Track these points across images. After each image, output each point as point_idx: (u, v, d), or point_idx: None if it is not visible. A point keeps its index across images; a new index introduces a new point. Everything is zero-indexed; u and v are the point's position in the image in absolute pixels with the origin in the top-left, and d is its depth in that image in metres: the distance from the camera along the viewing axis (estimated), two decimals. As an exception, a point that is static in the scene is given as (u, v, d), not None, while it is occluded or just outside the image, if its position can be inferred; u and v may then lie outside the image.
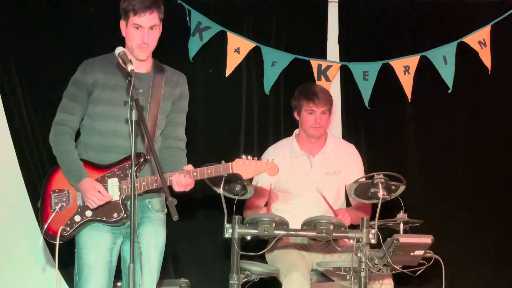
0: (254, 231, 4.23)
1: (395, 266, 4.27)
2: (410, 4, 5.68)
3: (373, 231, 4.20)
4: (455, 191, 5.70)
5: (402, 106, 5.65)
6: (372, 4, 5.68)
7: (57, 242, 3.91)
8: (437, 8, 5.67)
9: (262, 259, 4.84)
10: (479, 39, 5.59)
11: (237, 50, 5.53)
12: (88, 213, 3.94)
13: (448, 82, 5.59)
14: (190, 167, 3.94)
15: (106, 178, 3.94)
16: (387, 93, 5.66)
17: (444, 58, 5.58)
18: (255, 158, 4.02)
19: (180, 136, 4.17)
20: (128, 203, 3.84)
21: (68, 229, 3.94)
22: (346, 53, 5.67)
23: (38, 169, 5.35)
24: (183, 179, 3.89)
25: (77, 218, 3.94)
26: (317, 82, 5.50)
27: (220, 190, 4.16)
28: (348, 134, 5.64)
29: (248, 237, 4.26)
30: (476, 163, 5.71)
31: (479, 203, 5.69)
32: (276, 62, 5.55)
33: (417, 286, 5.16)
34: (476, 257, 5.64)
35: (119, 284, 4.50)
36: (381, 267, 4.28)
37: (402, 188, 4.34)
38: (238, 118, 5.58)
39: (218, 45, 5.52)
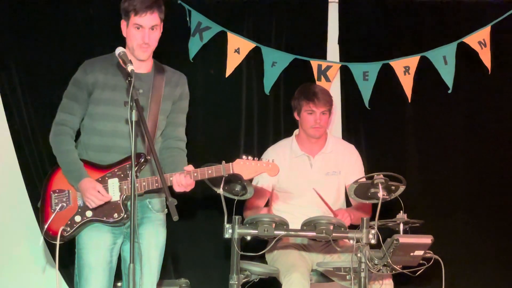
0: (254, 232, 4.23)
1: (395, 267, 4.27)
2: (410, 4, 5.67)
3: (373, 231, 4.21)
4: (455, 191, 5.70)
5: (402, 107, 5.65)
6: (372, 5, 5.67)
7: (58, 242, 3.91)
8: (437, 9, 5.66)
9: (262, 259, 4.84)
10: (479, 40, 5.58)
11: (237, 51, 5.53)
12: (89, 213, 3.94)
13: (448, 83, 5.58)
14: (190, 167, 3.94)
15: (107, 178, 3.94)
16: (387, 94, 5.65)
17: (444, 59, 5.58)
18: (255, 158, 4.02)
19: (180, 136, 4.17)
20: (129, 203, 3.84)
21: (69, 229, 3.94)
22: (346, 53, 5.67)
23: (38, 169, 5.35)
24: (183, 179, 3.89)
25: (78, 218, 3.95)
26: (317, 83, 5.50)
27: (220, 191, 4.16)
28: (348, 134, 5.63)
29: (248, 238, 4.26)
30: (476, 163, 5.71)
31: (479, 203, 5.69)
32: (276, 62, 5.55)
33: (417, 286, 5.16)
34: (476, 257, 5.64)
35: (119, 284, 4.50)
36: (381, 268, 4.28)
37: (402, 188, 4.34)
38: (238, 118, 5.58)
39: (218, 46, 5.52)
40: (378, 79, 5.58)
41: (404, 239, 4.22)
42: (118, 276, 4.09)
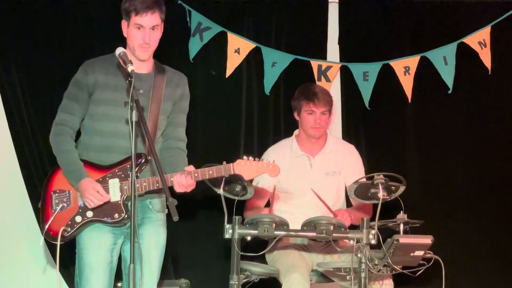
0: (254, 232, 4.23)
1: (395, 267, 4.27)
2: (410, 4, 5.67)
3: (373, 231, 4.21)
4: (455, 192, 5.70)
5: (402, 107, 5.65)
6: (373, 5, 5.67)
7: (58, 243, 3.91)
8: (437, 9, 5.66)
9: (262, 259, 4.84)
10: (479, 40, 5.59)
11: (237, 51, 5.53)
12: (89, 214, 3.94)
13: (448, 83, 5.58)
14: (191, 167, 3.94)
15: (107, 178, 3.94)
16: (387, 94, 5.65)
17: (444, 59, 5.58)
18: (256, 159, 4.02)
19: (180, 136, 4.18)
20: (129, 203, 3.84)
21: (69, 229, 3.94)
22: (346, 54, 5.67)
23: (38, 169, 5.36)
24: (184, 180, 3.89)
25: (78, 218, 3.95)
26: (317, 83, 5.50)
27: (220, 191, 4.16)
28: (348, 134, 5.63)
29: (248, 238, 4.26)
30: (476, 163, 5.71)
31: (479, 203, 5.69)
32: (276, 62, 5.55)
33: (417, 286, 5.15)
34: (476, 257, 5.64)
35: (119, 284, 4.50)
36: (381, 268, 4.28)
37: (402, 188, 4.34)
38: (238, 118, 5.58)
39: (218, 46, 5.52)
40: (378, 79, 5.58)
41: (404, 239, 4.22)
42: (118, 276, 4.09)
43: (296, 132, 5.11)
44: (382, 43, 5.69)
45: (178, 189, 3.92)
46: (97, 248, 3.95)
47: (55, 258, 3.92)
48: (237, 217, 4.21)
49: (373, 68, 5.59)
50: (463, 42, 5.60)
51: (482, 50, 5.59)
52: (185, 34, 5.49)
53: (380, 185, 4.28)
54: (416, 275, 4.36)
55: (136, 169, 3.91)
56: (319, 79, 5.58)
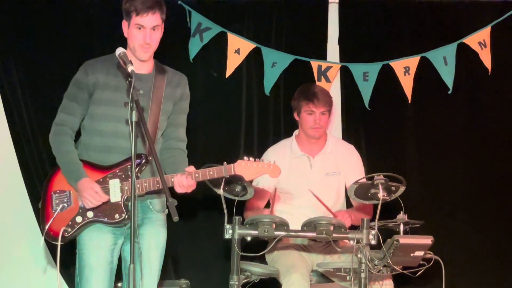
0: (254, 232, 4.23)
1: (395, 267, 4.28)
2: (410, 5, 5.67)
3: (373, 232, 4.21)
4: (455, 192, 5.70)
5: (402, 107, 5.64)
6: (372, 5, 5.67)
7: (59, 243, 3.91)
8: (437, 9, 5.66)
9: (262, 260, 4.84)
10: (479, 40, 5.59)
11: (237, 51, 5.53)
12: (90, 214, 3.94)
13: (448, 83, 5.59)
14: (192, 168, 3.94)
15: (108, 179, 3.94)
16: (387, 94, 5.65)
17: (444, 59, 5.58)
18: (257, 159, 4.02)
19: (181, 137, 4.18)
20: (130, 204, 3.84)
21: (70, 230, 3.94)
22: (346, 54, 5.66)
23: (38, 169, 5.36)
24: (185, 181, 3.89)
25: (79, 219, 3.95)
26: (317, 83, 5.49)
27: (220, 191, 4.17)
28: (348, 135, 5.63)
29: (248, 238, 4.26)
30: (476, 163, 5.71)
31: (479, 203, 5.69)
32: (276, 63, 5.55)
33: (417, 287, 5.14)
34: (476, 257, 5.63)
35: (119, 284, 4.50)
36: (381, 268, 4.28)
37: (402, 189, 4.34)
38: (238, 119, 5.58)
39: (218, 46, 5.52)
40: (378, 79, 5.58)
41: (404, 239, 4.23)
42: (118, 276, 4.09)
43: (296, 132, 5.11)
44: (382, 44, 5.69)
45: (179, 189, 3.92)
46: (98, 248, 3.95)
47: (55, 259, 3.92)
48: (237, 218, 4.21)
49: (373, 69, 5.59)
50: (463, 42, 5.60)
51: (482, 50, 5.59)
52: (185, 35, 5.49)
53: (380, 185, 4.28)
54: (416, 275, 4.36)
55: (137, 169, 3.92)
56: (319, 80, 5.57)
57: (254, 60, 5.59)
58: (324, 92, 5.06)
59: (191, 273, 5.34)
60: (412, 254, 4.26)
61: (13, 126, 5.41)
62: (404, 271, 4.34)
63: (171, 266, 5.38)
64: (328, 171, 4.99)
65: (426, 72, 5.60)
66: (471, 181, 5.72)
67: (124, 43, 4.02)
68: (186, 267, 5.46)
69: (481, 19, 5.63)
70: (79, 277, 3.98)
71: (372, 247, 4.26)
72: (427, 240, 4.25)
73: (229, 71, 5.54)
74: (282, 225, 4.29)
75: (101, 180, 3.94)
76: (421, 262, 4.33)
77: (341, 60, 5.67)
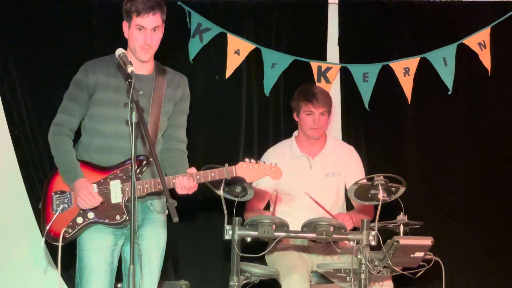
0: (254, 233, 4.23)
1: (395, 268, 4.27)
2: (410, 5, 5.67)
3: (373, 232, 4.21)
4: (455, 192, 5.70)
5: (402, 108, 5.64)
6: (372, 6, 5.67)
7: (60, 244, 3.91)
8: (437, 10, 5.66)
9: (262, 260, 4.84)
10: (479, 41, 5.59)
11: (237, 52, 5.53)
12: (91, 215, 3.94)
13: (448, 84, 5.59)
14: (193, 170, 3.94)
15: (109, 180, 3.95)
16: (387, 95, 5.65)
17: (444, 60, 5.58)
18: (258, 161, 4.02)
19: (181, 137, 4.18)
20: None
21: (70, 230, 3.94)
22: (346, 55, 5.66)
23: (38, 169, 5.36)
24: (186, 182, 3.89)
25: (79, 220, 3.95)
26: (317, 84, 5.49)
27: (220, 192, 4.17)
28: (348, 135, 5.63)
29: (248, 239, 4.26)
30: (476, 164, 5.71)
31: (479, 203, 5.69)
32: (276, 63, 5.55)
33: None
34: (476, 258, 5.63)
35: (119, 285, 4.49)
36: (381, 269, 4.28)
37: (402, 189, 4.34)
38: (238, 119, 5.58)
39: (218, 47, 5.52)
40: (378, 80, 5.58)
41: (404, 240, 4.23)
42: (118, 277, 4.08)
43: (295, 133, 5.11)
44: (381, 44, 5.69)
45: (180, 191, 3.92)
46: (98, 249, 3.95)
47: (55, 259, 3.93)
48: (237, 218, 4.21)
49: (373, 69, 5.59)
50: (463, 43, 5.60)
51: (482, 51, 5.59)
52: (185, 35, 5.49)
53: (380, 186, 4.28)
54: (416, 276, 4.36)
55: (137, 170, 3.92)
56: (319, 80, 5.57)
57: (254, 61, 5.59)
58: (323, 92, 5.06)
59: (191, 273, 5.34)
60: (412, 255, 4.26)
61: (13, 126, 5.41)
62: (404, 272, 4.34)
63: (171, 267, 5.38)
64: (328, 172, 4.99)
65: (426, 72, 5.60)
66: (471, 181, 5.72)
67: (124, 43, 4.01)
68: (186, 268, 5.45)
69: (481, 19, 5.63)
70: (80, 277, 3.98)
71: (372, 248, 4.26)
72: (427, 241, 4.25)
73: (229, 72, 5.54)
74: (282, 226, 4.29)
75: (101, 181, 3.95)
76: (421, 263, 4.33)
77: (341, 61, 5.67)
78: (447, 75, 5.60)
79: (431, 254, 4.36)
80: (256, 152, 5.41)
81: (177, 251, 5.33)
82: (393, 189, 4.32)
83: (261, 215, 4.61)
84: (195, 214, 5.39)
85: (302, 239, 4.78)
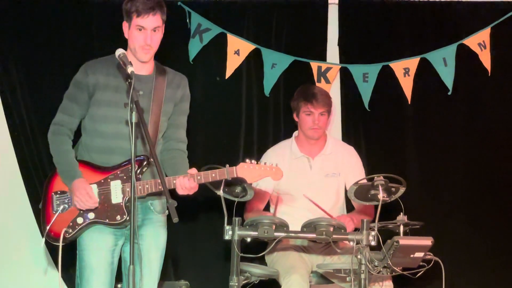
0: (254, 233, 4.23)
1: (395, 268, 4.27)
2: (410, 6, 5.67)
3: (373, 233, 4.21)
4: (455, 192, 5.70)
5: (402, 108, 5.64)
6: (372, 6, 5.67)
7: (60, 244, 3.91)
8: (437, 10, 5.66)
9: (262, 261, 4.84)
10: (479, 41, 5.59)
11: (237, 52, 5.53)
12: (91, 215, 3.94)
13: (448, 84, 5.59)
14: (194, 170, 3.95)
15: (109, 180, 3.95)
16: (387, 95, 5.65)
17: (444, 60, 5.58)
18: (259, 162, 4.02)
19: (181, 138, 4.18)
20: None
21: (71, 231, 3.94)
22: (346, 55, 5.66)
23: (37, 169, 5.36)
24: (187, 183, 3.89)
25: (80, 220, 3.95)
26: (317, 84, 5.49)
27: (220, 192, 4.17)
28: (348, 136, 5.63)
29: (248, 239, 4.26)
30: (476, 164, 5.71)
31: (479, 203, 5.68)
32: (276, 64, 5.55)
33: (417, 288, 5.16)
34: (476, 257, 5.63)
35: (119, 286, 4.49)
36: (381, 269, 4.28)
37: (402, 190, 4.35)
38: (238, 119, 5.58)
39: (218, 47, 5.52)
40: (378, 80, 5.58)
41: (404, 241, 4.23)
42: (118, 277, 4.08)
43: (295, 133, 5.11)
44: (381, 45, 5.69)
45: (181, 191, 3.92)
46: (98, 249, 3.95)
47: (56, 260, 3.93)
48: (237, 219, 4.21)
49: (373, 70, 5.59)
50: (463, 43, 5.60)
51: (482, 51, 5.59)
52: (185, 36, 5.49)
53: (380, 186, 4.28)
54: (416, 276, 4.36)
55: (138, 171, 3.92)
56: (319, 81, 5.57)
57: (254, 61, 5.59)
58: (323, 93, 5.06)
59: (191, 274, 5.34)
60: (412, 255, 4.26)
61: (13, 126, 5.41)
62: (404, 272, 4.34)
63: (171, 267, 5.38)
64: (327, 172, 4.99)
65: (426, 73, 5.60)
66: (471, 181, 5.72)
67: (124, 44, 4.01)
68: (186, 268, 5.45)
69: (481, 20, 5.63)
70: (80, 277, 3.98)
71: (372, 248, 4.26)
72: (427, 241, 4.25)
73: (229, 72, 5.53)
74: (282, 226, 4.30)
75: (102, 181, 3.95)
76: (421, 263, 4.34)
77: (340, 61, 5.67)
78: (447, 75, 5.60)
79: (431, 254, 4.36)
80: (256, 152, 5.41)
81: (177, 251, 5.33)
82: (393, 189, 4.33)
83: (261, 215, 4.62)
84: (195, 215, 5.39)
85: (302, 239, 4.79)
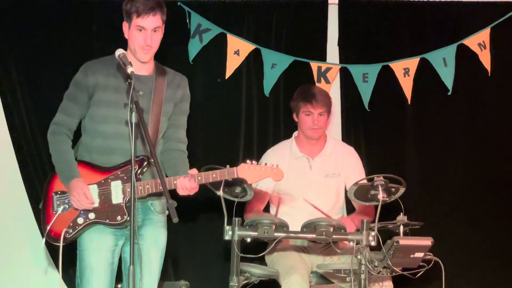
0: (254, 233, 4.24)
1: (395, 268, 4.27)
2: (410, 6, 5.67)
3: (373, 233, 4.21)
4: (455, 193, 5.70)
5: (402, 108, 5.64)
6: (372, 6, 5.67)
7: (61, 244, 3.91)
8: (437, 10, 5.66)
9: (261, 261, 4.84)
10: (479, 41, 5.59)
11: (237, 52, 5.53)
12: (91, 216, 3.94)
13: (447, 84, 5.59)
14: (194, 171, 3.95)
15: (109, 180, 3.95)
16: (387, 95, 5.65)
17: (444, 60, 5.58)
18: (260, 163, 4.02)
19: (181, 138, 4.18)
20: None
21: (71, 231, 3.94)
22: (346, 55, 5.66)
23: (37, 169, 5.36)
24: (187, 183, 3.89)
25: (80, 220, 3.95)
26: (317, 84, 5.49)
27: (220, 192, 4.17)
28: (348, 136, 5.63)
29: (248, 239, 4.26)
30: (476, 164, 5.71)
31: (479, 203, 5.68)
32: (276, 64, 5.55)
33: (417, 288, 5.17)
34: (476, 258, 5.63)
35: (119, 286, 4.50)
36: (381, 269, 4.28)
37: (402, 190, 4.35)
38: (238, 120, 5.58)
39: (218, 47, 5.52)
40: (377, 81, 5.58)
41: (404, 241, 4.23)
42: (118, 277, 4.08)
43: (295, 133, 5.11)
44: (381, 45, 5.69)
45: (182, 192, 3.92)
46: (98, 249, 3.95)
47: (56, 260, 3.93)
48: (237, 219, 4.22)
49: (373, 70, 5.59)
50: (463, 43, 5.60)
51: (482, 51, 5.59)
52: (185, 36, 5.49)
53: (380, 186, 4.28)
54: (416, 276, 4.36)
55: (139, 171, 3.92)
56: (319, 81, 5.57)
57: (253, 61, 5.58)
58: (322, 93, 5.06)
59: (191, 274, 5.35)
60: (412, 256, 4.27)
61: (12, 126, 5.41)
62: (404, 273, 4.34)
63: (171, 267, 5.38)
64: (327, 172, 4.99)
65: (425, 73, 5.60)
66: (471, 181, 5.72)
67: (124, 44, 4.01)
68: (186, 268, 5.45)
69: (481, 20, 5.63)
70: (80, 278, 3.98)
71: (372, 249, 4.26)
72: (427, 242, 4.25)
73: (228, 72, 5.53)
74: (282, 226, 4.30)
75: (102, 181, 3.95)
76: (421, 263, 4.34)
77: (340, 61, 5.67)
78: (447, 76, 5.60)
79: (431, 254, 4.36)
80: (256, 152, 5.41)
81: (177, 251, 5.33)
82: (393, 189, 4.33)
83: (261, 215, 4.62)
84: (195, 215, 5.39)
85: (302, 240, 4.79)
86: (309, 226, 4.31)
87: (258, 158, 4.99)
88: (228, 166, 3.96)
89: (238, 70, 5.55)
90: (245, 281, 4.43)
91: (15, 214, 5.45)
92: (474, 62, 5.61)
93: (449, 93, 5.59)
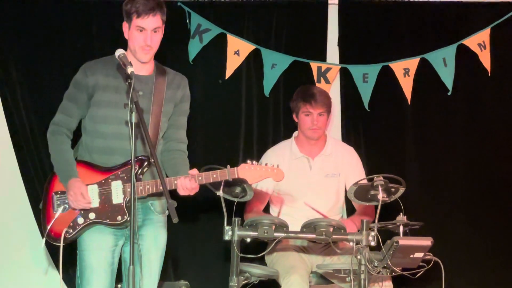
0: (254, 233, 4.24)
1: (394, 269, 4.28)
2: (410, 6, 5.67)
3: (372, 233, 4.22)
4: (455, 193, 5.70)
5: (402, 108, 5.64)
6: (372, 6, 5.67)
7: (61, 244, 3.91)
8: (437, 11, 5.66)
9: (261, 261, 4.84)
10: (479, 42, 5.59)
11: (237, 52, 5.53)
12: (92, 216, 3.94)
13: (447, 85, 5.59)
14: (195, 171, 3.95)
15: (110, 180, 3.95)
16: (387, 95, 5.65)
17: (444, 61, 5.58)
18: (260, 163, 4.02)
19: (181, 138, 4.18)
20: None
21: (71, 231, 3.94)
22: (345, 55, 5.66)
23: (37, 169, 5.36)
24: (188, 183, 3.90)
25: (80, 220, 3.95)
26: (317, 84, 5.49)
27: (220, 193, 4.17)
28: (348, 136, 5.63)
29: (248, 239, 4.27)
30: (476, 164, 5.71)
31: (479, 203, 5.68)
32: (275, 64, 5.55)
33: (417, 288, 5.17)
34: (476, 258, 5.63)
35: (119, 286, 4.50)
36: (381, 270, 4.29)
37: (401, 190, 4.35)
38: (238, 120, 5.57)
39: (218, 47, 5.52)
40: (377, 81, 5.58)
41: (404, 241, 4.23)
42: (118, 277, 4.09)
43: (295, 134, 5.11)
44: (381, 45, 5.69)
45: (182, 192, 3.92)
46: (99, 249, 3.95)
47: (56, 260, 3.93)
48: (236, 219, 4.22)
49: (373, 70, 5.59)
50: (463, 43, 5.60)
51: (482, 52, 5.59)
52: (185, 36, 5.49)
53: (379, 186, 4.28)
54: (416, 277, 4.37)
55: (139, 171, 3.92)
56: (319, 81, 5.57)
57: (253, 62, 5.58)
58: (322, 93, 5.06)
59: (191, 274, 5.35)
60: (411, 256, 4.27)
61: (12, 126, 5.41)
62: (404, 273, 4.35)
63: (171, 267, 5.38)
64: (327, 172, 4.99)
65: (425, 73, 5.60)
66: (471, 181, 5.72)
67: (124, 44, 4.02)
68: (185, 269, 5.45)
69: (481, 20, 5.63)
70: (80, 278, 3.98)
71: (372, 249, 4.27)
72: (427, 242, 4.26)
73: (228, 73, 5.53)
74: (282, 226, 4.30)
75: (103, 181, 3.95)
76: (421, 263, 4.34)
77: (340, 62, 5.67)
78: (447, 76, 5.60)
79: (431, 254, 4.36)
80: (256, 152, 5.41)
81: (177, 251, 5.33)
82: (392, 189, 4.33)
83: (260, 216, 4.62)
84: (195, 215, 5.39)
85: (301, 240, 4.79)
86: (309, 226, 4.31)
87: (258, 158, 5.00)
88: (228, 166, 3.96)
89: (238, 70, 5.55)
90: (245, 281, 4.43)
91: (15, 214, 5.45)
92: (474, 62, 5.61)
93: (449, 93, 5.59)
